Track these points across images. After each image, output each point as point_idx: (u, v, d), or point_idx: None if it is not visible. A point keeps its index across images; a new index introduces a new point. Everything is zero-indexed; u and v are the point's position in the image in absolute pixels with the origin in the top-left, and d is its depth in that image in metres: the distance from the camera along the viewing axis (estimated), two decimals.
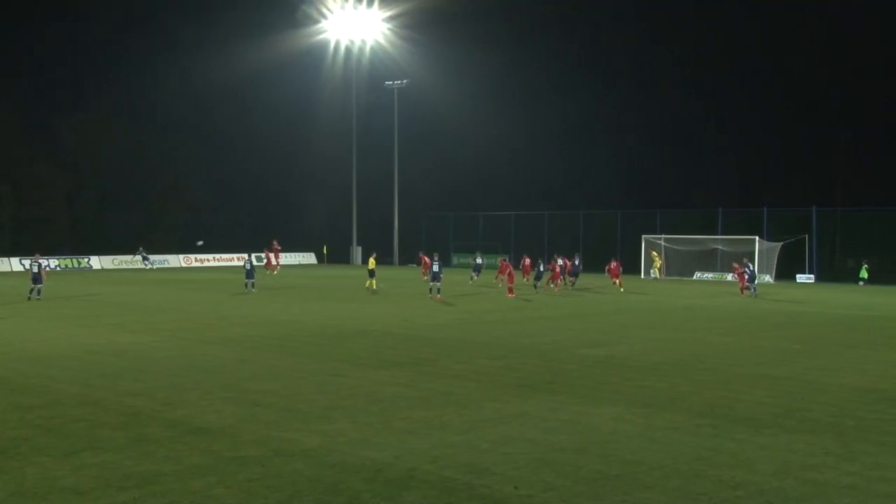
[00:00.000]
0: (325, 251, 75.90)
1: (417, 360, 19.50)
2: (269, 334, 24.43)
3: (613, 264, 45.38)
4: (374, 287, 41.31)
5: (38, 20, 79.24)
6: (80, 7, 78.09)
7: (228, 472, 10.49)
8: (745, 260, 43.38)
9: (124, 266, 64.95)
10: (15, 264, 60.35)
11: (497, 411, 14.04)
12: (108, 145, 75.14)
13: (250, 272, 41.00)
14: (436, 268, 37.33)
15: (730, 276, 53.13)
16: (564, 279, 44.22)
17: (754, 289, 40.65)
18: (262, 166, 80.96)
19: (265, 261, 56.29)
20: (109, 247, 66.98)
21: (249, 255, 43.83)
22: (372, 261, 43.32)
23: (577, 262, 45.92)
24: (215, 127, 79.61)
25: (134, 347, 21.50)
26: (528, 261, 48.51)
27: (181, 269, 65.51)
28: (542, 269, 43.50)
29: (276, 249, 57.51)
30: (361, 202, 75.80)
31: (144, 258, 64.25)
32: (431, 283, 37.27)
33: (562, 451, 11.58)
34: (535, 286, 41.89)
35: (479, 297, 38.27)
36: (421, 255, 51.70)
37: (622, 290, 42.44)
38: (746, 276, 41.18)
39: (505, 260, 46.52)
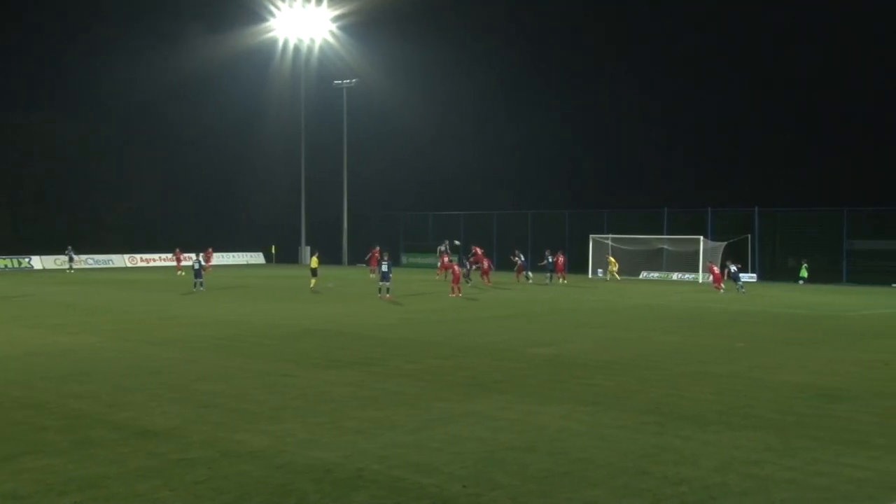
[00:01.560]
0: (273, 251, 75.31)
1: (367, 360, 19.47)
2: (217, 335, 24.19)
3: (561, 259, 48.88)
4: (316, 286, 41.06)
5: None
6: (22, 3, 76.50)
7: (175, 475, 10.38)
8: (728, 262, 45.32)
9: (65, 266, 63.82)
10: None
11: (446, 411, 14.09)
12: (50, 143, 73.61)
13: (198, 272, 41.44)
14: (385, 267, 37.27)
15: (675, 276, 53.98)
16: (526, 275, 48.52)
17: (739, 284, 42.92)
18: (209, 165, 79.96)
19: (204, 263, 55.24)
20: (52, 247, 65.65)
21: (197, 255, 43.95)
22: (314, 260, 43.09)
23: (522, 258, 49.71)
24: (161, 125, 78.44)
25: (78, 348, 21.13)
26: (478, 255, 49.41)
27: (126, 268, 64.50)
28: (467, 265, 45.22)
29: (210, 254, 56.66)
30: (310, 201, 75.35)
31: (71, 259, 61.34)
32: (381, 283, 37.19)
33: (510, 449, 11.66)
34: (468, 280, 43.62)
35: (427, 297, 38.30)
36: (374, 250, 50.71)
37: (565, 282, 46.42)
38: (729, 274, 43.58)
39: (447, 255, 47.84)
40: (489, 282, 45.44)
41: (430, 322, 28.23)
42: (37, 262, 63.21)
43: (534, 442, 12.08)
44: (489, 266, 47.43)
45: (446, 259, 48.69)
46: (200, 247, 55.81)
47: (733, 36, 73.91)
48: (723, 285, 43.48)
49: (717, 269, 44.59)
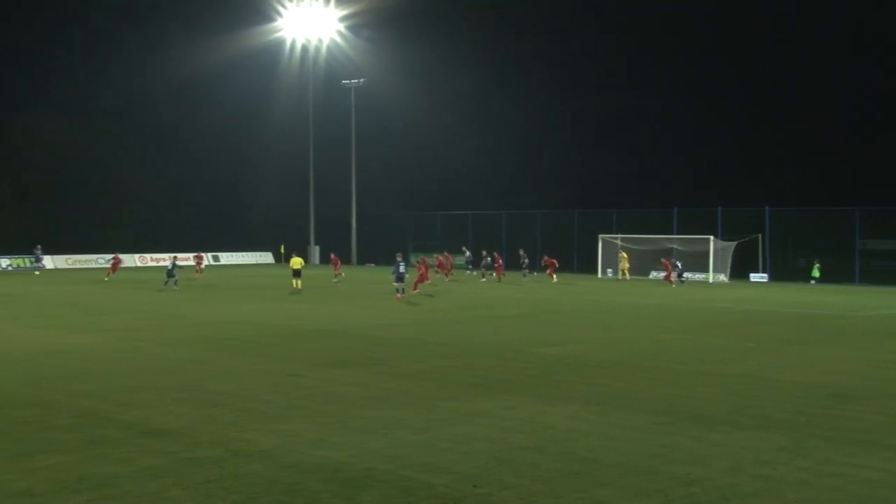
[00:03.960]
0: (281, 251, 75.42)
1: (374, 360, 19.46)
2: (225, 334, 24.22)
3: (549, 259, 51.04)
4: (300, 287, 40.26)
5: None
6: (30, 4, 76.74)
7: (185, 474, 10.39)
8: (673, 259, 49.82)
9: (78, 265, 64.01)
10: None
11: (455, 410, 14.06)
12: (59, 144, 73.87)
13: (171, 271, 41.81)
14: (401, 268, 37.15)
15: (685, 276, 53.84)
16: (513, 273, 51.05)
17: (683, 280, 48.79)
18: (217, 165, 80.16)
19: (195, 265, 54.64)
20: (63, 246, 65.89)
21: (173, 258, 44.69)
22: (298, 261, 41.86)
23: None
24: (169, 126, 78.66)
25: (87, 348, 21.18)
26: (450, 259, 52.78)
27: (135, 268, 64.63)
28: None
29: (200, 259, 55.98)
30: (319, 201, 75.45)
31: (38, 259, 60.05)
32: (396, 284, 36.93)
33: (519, 449, 11.63)
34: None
35: (436, 298, 38.28)
36: (334, 256, 51.74)
37: (555, 280, 48.31)
38: (675, 272, 48.38)
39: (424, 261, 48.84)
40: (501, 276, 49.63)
41: (437, 322, 28.21)
42: (48, 261, 63.31)
43: (543, 442, 12.04)
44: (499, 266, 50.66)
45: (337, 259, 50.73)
46: (209, 247, 55.93)
47: (742, 33, 73.69)
48: (673, 279, 47.90)
49: (669, 266, 48.84)
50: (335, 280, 47.43)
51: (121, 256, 53.44)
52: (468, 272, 54.89)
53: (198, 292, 39.98)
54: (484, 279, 50.44)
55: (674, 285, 47.18)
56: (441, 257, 52.19)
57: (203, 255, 56.88)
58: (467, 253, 57.29)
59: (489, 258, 51.66)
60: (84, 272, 59.11)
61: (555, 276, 49.54)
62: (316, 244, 75.46)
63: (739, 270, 53.76)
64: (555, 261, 50.50)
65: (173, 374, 17.49)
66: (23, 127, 73.08)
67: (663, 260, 49.76)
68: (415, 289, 38.75)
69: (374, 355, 20.23)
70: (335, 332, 24.81)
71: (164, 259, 67.70)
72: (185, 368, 18.17)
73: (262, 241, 76.12)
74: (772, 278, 53.72)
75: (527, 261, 52.15)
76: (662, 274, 49.06)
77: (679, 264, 49.85)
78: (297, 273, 41.09)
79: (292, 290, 40.07)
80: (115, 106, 75.31)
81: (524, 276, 51.62)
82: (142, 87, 74.94)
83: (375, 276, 50.62)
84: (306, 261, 70.85)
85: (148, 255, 68.43)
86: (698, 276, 53.16)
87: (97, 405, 14.28)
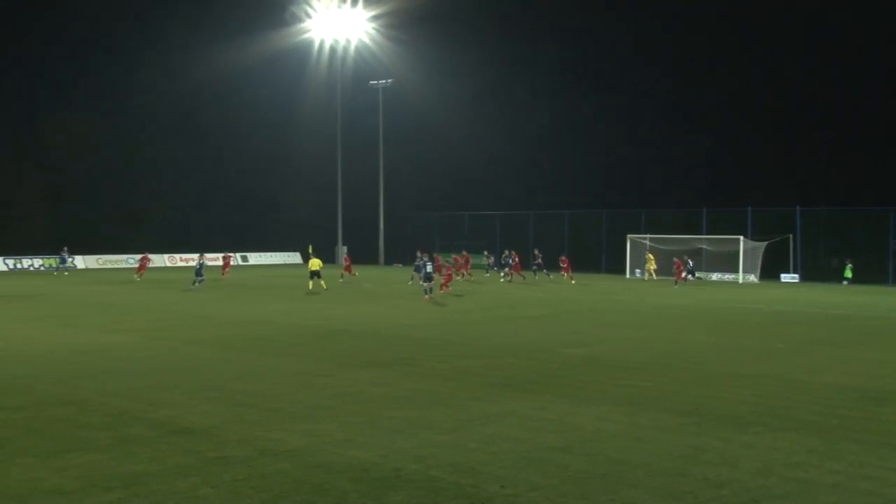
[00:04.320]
0: (309, 250, 75.69)
1: (402, 360, 19.48)
2: (253, 334, 24.35)
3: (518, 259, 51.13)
4: (324, 287, 40.26)
5: (20, 19, 78.64)
6: (63, 5, 77.60)
7: (213, 473, 10.45)
8: (685, 257, 49.13)
9: (108, 266, 64.61)
10: None
11: (483, 411, 14.05)
12: (90, 144, 74.69)
13: (199, 271, 42.50)
14: (429, 268, 37.14)
15: (715, 276, 53.47)
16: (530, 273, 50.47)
17: (693, 278, 49.00)
18: (246, 165, 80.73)
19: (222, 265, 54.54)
20: (93, 246, 66.58)
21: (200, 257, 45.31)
22: (316, 262, 41.46)
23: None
24: (199, 126, 79.25)
25: (117, 347, 21.38)
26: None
27: (164, 268, 65.18)
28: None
29: (228, 258, 55.84)
30: (346, 201, 75.66)
31: (63, 260, 59.59)
32: (424, 284, 36.89)
33: (548, 450, 11.60)
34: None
35: (464, 298, 38.27)
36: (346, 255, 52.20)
37: (573, 282, 47.70)
38: (685, 272, 47.96)
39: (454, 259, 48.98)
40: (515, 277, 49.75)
41: (465, 322, 28.20)
42: (79, 261, 64.00)
43: (571, 442, 12.00)
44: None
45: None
46: (238, 247, 56.22)
47: (773, 31, 73.04)
48: (683, 277, 47.58)
49: (680, 265, 48.19)
50: (341, 280, 47.37)
51: (150, 256, 53.33)
52: (487, 274, 54.52)
53: (226, 292, 40.25)
54: (503, 278, 50.56)
55: (676, 286, 46.47)
56: (459, 257, 51.95)
57: (231, 255, 57.04)
58: (491, 258, 56.83)
59: (508, 258, 51.43)
60: (114, 272, 59.69)
61: (572, 277, 49.21)
62: (343, 244, 75.68)
63: (770, 271, 53.26)
64: (564, 259, 50.27)
65: (202, 373, 17.61)
66: (53, 127, 73.93)
67: (675, 259, 49.08)
68: (442, 289, 38.73)
69: (401, 355, 20.25)
70: (362, 333, 24.86)
71: (192, 259, 68.37)
72: (214, 368, 18.29)
73: (291, 241, 76.51)
74: (803, 279, 53.19)
75: (539, 261, 51.40)
76: (684, 274, 48.44)
77: (691, 262, 49.53)
78: (315, 274, 40.79)
79: (308, 291, 39.88)
80: (144, 107, 75.99)
81: (535, 275, 51.29)
82: (170, 88, 75.57)
83: (402, 276, 50.66)
84: (333, 261, 71.36)
85: (177, 255, 68.97)
86: (728, 277, 52.77)
87: (128, 404, 14.41)
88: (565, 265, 49.97)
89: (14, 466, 10.64)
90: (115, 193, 76.15)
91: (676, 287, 45.86)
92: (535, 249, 52.87)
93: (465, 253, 54.29)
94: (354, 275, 49.51)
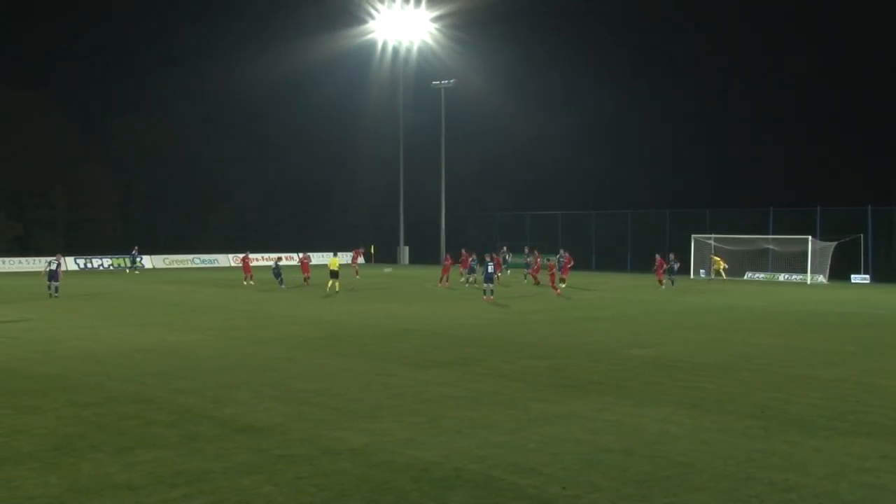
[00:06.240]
0: (372, 251, 76.29)
1: (464, 360, 19.49)
2: (316, 334, 24.60)
3: (539, 260, 48.04)
4: (337, 289, 39.01)
5: (90, 23, 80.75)
6: (131, 10, 79.47)
7: (277, 471, 10.58)
8: (672, 256, 46.98)
9: (175, 265, 65.87)
10: (70, 264, 61.49)
11: (544, 411, 13.98)
12: (157, 146, 76.33)
13: (276, 271, 43.24)
14: (490, 269, 37.07)
15: (782, 277, 52.44)
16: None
17: (673, 281, 45.21)
18: (309, 166, 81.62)
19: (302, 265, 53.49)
20: (160, 246, 68.01)
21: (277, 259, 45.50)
22: (334, 261, 40.25)
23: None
24: (263, 128, 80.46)
25: (183, 346, 21.79)
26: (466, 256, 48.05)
27: (229, 268, 66.22)
28: (481, 264, 41.64)
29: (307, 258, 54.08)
30: (408, 202, 75.99)
31: (134, 259, 60.97)
32: (485, 285, 36.86)
33: (609, 451, 11.49)
34: (468, 282, 44.64)
35: (525, 299, 38.15)
36: (464, 252, 49.29)
37: (663, 288, 44.07)
38: (664, 270, 45.09)
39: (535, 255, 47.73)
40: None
41: (526, 322, 28.10)
42: (147, 261, 65.41)
43: (633, 445, 11.87)
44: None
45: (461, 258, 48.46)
46: (301, 247, 56.61)
47: (841, 29, 71.37)
48: (664, 280, 44.72)
49: (661, 264, 45.46)
50: (357, 276, 46.37)
51: (250, 255, 48.73)
52: (508, 273, 51.24)
53: (288, 292, 40.67)
54: (525, 279, 47.67)
55: (662, 286, 43.91)
56: (497, 256, 48.00)
57: (310, 255, 52.08)
58: (508, 256, 53.75)
59: (529, 256, 49.58)
60: (180, 272, 60.83)
61: (663, 280, 44.92)
62: (405, 244, 76.05)
63: (840, 272, 52.07)
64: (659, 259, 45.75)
65: (266, 372, 17.85)
66: (124, 129, 75.71)
67: (657, 256, 46.12)
68: (556, 290, 39.07)
69: (462, 355, 20.26)
70: (424, 332, 24.94)
71: (256, 260, 69.16)
72: (278, 367, 18.52)
73: (354, 241, 77.10)
74: (874, 280, 51.90)
75: (563, 258, 46.37)
76: (663, 271, 44.88)
77: (676, 264, 46.33)
78: (334, 274, 39.47)
79: (328, 292, 38.49)
80: (210, 109, 77.41)
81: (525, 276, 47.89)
82: (236, 90, 76.85)
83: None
84: (396, 261, 71.72)
85: (240, 256, 69.95)
86: (796, 278, 51.73)
87: (194, 402, 14.67)
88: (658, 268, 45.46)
89: (86, 462, 10.92)
90: (180, 194, 77.66)
91: (663, 289, 43.21)
92: (561, 249, 49.36)
93: (502, 251, 53.08)
94: (356, 273, 47.61)
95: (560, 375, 17.56)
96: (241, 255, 49.46)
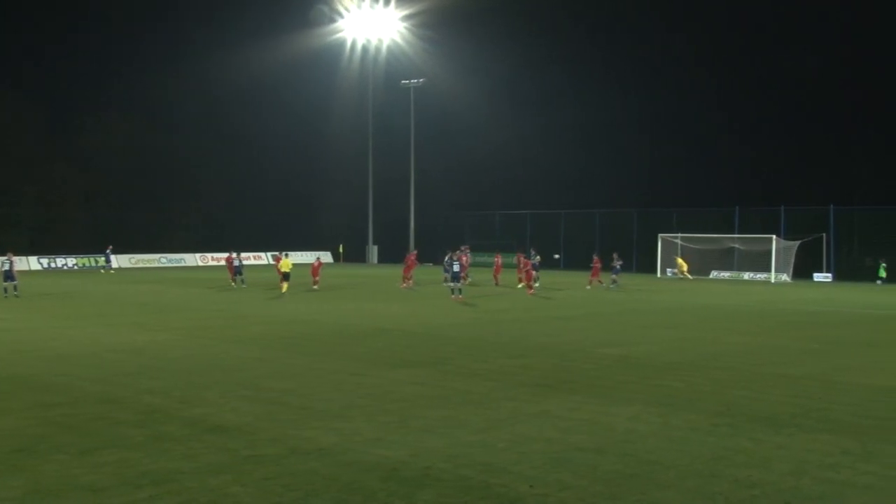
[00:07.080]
0: (340, 250, 76.06)
1: (435, 360, 19.50)
2: (286, 333, 24.50)
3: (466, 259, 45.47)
4: (283, 291, 37.63)
5: (58, 21, 79.81)
6: (98, 8, 78.64)
7: (245, 471, 10.54)
8: (615, 255, 44.85)
9: (142, 265, 65.26)
10: (33, 263, 60.73)
11: (514, 410, 14.03)
12: (126, 146, 75.57)
13: (238, 269, 42.78)
14: (456, 268, 37.00)
15: (746, 276, 52.97)
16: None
17: (616, 283, 43.39)
18: (278, 166, 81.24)
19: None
20: (128, 246, 67.32)
21: (238, 254, 44.24)
22: (287, 263, 38.90)
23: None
24: (231, 127, 79.92)
25: (152, 346, 21.61)
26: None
27: (198, 267, 65.77)
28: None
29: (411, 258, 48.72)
30: (378, 201, 75.85)
31: (108, 259, 60.00)
32: (451, 284, 36.86)
33: (579, 450, 11.56)
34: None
35: (496, 298, 38.24)
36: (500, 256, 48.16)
37: (589, 287, 43.35)
38: (613, 272, 43.68)
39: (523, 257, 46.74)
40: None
41: (497, 322, 28.17)
42: (114, 261, 64.69)
43: (602, 443, 11.95)
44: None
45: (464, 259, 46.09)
46: (271, 247, 56.10)
47: (805, 30, 72.26)
48: (599, 280, 43.73)
49: (597, 264, 44.39)
50: (315, 287, 41.72)
51: (233, 255, 44.81)
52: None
53: (258, 291, 40.43)
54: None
55: (589, 286, 42.93)
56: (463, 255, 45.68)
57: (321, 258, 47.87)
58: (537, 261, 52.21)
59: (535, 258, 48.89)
60: (147, 272, 60.28)
61: (601, 280, 44.33)
62: (374, 244, 75.91)
63: (803, 270, 52.73)
64: (526, 263, 42.95)
65: (235, 371, 17.75)
66: (91, 128, 74.87)
67: (594, 256, 45.22)
68: (530, 290, 38.98)
69: (435, 355, 20.27)
70: (396, 332, 24.92)
71: (249, 258, 68.56)
72: (249, 367, 18.42)
73: (323, 241, 76.90)
74: (836, 278, 52.61)
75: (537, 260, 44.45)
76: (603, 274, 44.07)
77: (618, 265, 44.53)
78: (286, 276, 38.21)
79: (280, 294, 37.34)
80: (178, 109, 76.79)
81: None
82: (204, 89, 76.25)
83: (435, 276, 50.66)
84: (364, 261, 71.53)
85: (209, 255, 69.49)
86: (760, 276, 52.31)
87: (163, 402, 14.56)
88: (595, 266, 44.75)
89: (49, 463, 10.80)
90: (149, 194, 76.92)
91: (589, 288, 42.60)
92: (532, 250, 45.88)
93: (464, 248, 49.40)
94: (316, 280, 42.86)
95: (530, 374, 17.63)
96: (226, 256, 47.77)
